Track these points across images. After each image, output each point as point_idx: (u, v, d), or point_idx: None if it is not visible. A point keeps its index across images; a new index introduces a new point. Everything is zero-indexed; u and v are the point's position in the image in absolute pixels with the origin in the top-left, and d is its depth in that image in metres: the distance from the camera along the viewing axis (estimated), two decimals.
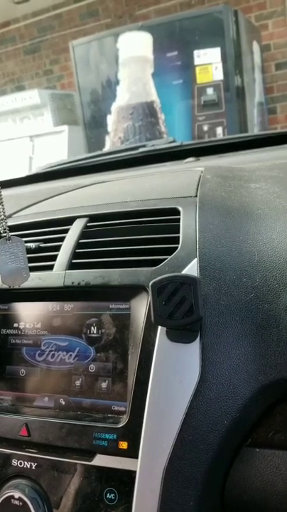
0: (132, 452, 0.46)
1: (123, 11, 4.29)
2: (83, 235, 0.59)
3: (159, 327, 0.47)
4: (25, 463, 0.51)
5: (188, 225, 0.54)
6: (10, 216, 0.72)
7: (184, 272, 0.49)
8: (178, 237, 0.53)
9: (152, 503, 0.44)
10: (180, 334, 0.46)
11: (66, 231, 0.61)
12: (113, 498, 0.47)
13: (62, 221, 0.64)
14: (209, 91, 3.16)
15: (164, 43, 3.20)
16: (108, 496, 0.47)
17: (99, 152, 1.48)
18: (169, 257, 0.51)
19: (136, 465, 0.45)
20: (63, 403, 0.52)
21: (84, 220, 0.62)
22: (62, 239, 0.60)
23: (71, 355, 0.53)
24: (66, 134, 3.63)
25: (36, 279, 0.56)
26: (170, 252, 0.52)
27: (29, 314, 0.57)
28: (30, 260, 0.56)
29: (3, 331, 0.58)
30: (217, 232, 0.52)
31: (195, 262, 0.49)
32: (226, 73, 3.10)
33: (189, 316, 0.44)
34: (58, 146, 3.61)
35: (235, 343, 0.45)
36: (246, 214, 0.55)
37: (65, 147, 3.59)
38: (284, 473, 0.43)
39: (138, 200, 0.63)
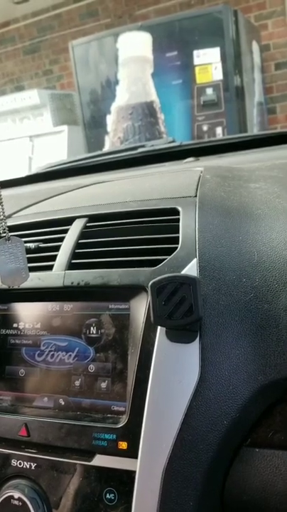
0: (132, 452, 0.45)
1: (122, 11, 4.29)
2: (83, 235, 0.59)
3: (159, 327, 0.47)
4: (25, 463, 0.51)
5: (188, 225, 0.54)
6: (9, 216, 0.72)
7: (183, 272, 0.49)
8: (178, 237, 0.53)
9: (152, 503, 0.44)
10: (180, 334, 0.46)
11: (65, 231, 0.61)
12: (112, 498, 0.47)
13: (62, 221, 0.64)
14: (209, 91, 3.16)
15: (163, 43, 3.20)
16: (107, 496, 0.47)
17: (98, 152, 1.48)
18: (168, 257, 0.51)
19: (135, 465, 0.45)
20: (63, 403, 0.52)
21: (84, 220, 0.62)
22: (61, 239, 0.60)
23: (70, 355, 0.53)
24: (66, 134, 3.63)
25: (36, 279, 0.56)
26: (169, 252, 0.52)
27: (28, 314, 0.57)
28: (30, 260, 0.56)
29: (3, 331, 0.58)
30: (217, 232, 0.52)
31: (194, 262, 0.49)
32: (225, 73, 3.10)
33: (188, 316, 0.44)
34: (58, 146, 3.61)
35: (235, 343, 0.45)
36: (246, 214, 0.55)
37: (65, 147, 3.59)
38: (284, 473, 0.43)
39: (137, 200, 0.63)
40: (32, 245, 0.61)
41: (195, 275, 0.48)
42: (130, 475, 0.45)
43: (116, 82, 3.40)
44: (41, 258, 0.59)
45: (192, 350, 0.45)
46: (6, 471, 0.52)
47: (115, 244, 0.57)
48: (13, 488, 0.50)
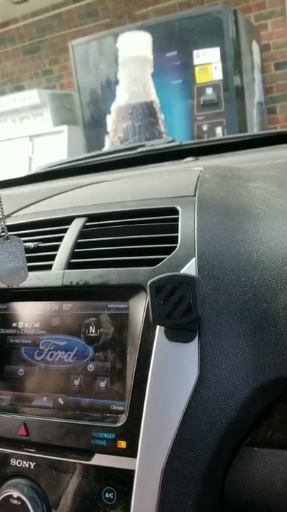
0: (131, 451, 0.46)
1: (122, 11, 4.29)
2: (82, 234, 0.59)
3: (157, 326, 0.47)
4: (24, 462, 0.51)
5: (187, 225, 0.54)
6: (9, 216, 0.72)
7: (182, 271, 0.49)
8: (177, 236, 0.53)
9: (150, 503, 0.44)
10: (179, 333, 0.46)
11: (65, 231, 0.61)
12: (111, 497, 0.47)
13: (61, 221, 0.64)
14: (209, 91, 3.16)
15: (163, 42, 3.20)
16: (106, 495, 0.47)
17: (98, 152, 1.48)
18: (167, 257, 0.51)
19: (134, 464, 0.45)
20: (62, 403, 0.52)
21: (83, 219, 0.62)
22: (60, 238, 0.60)
23: (69, 354, 0.53)
24: (65, 134, 3.63)
25: (35, 279, 0.56)
26: (168, 251, 0.52)
27: (28, 314, 0.57)
28: (29, 260, 0.56)
29: (2, 331, 0.58)
30: (216, 231, 0.52)
31: (193, 261, 0.49)
32: (225, 73, 3.10)
33: (187, 316, 0.44)
34: (58, 146, 3.61)
35: (233, 343, 0.45)
36: (245, 213, 0.55)
37: (65, 147, 3.59)
38: (283, 473, 0.43)
39: (136, 199, 0.63)
40: (31, 245, 0.61)
41: (194, 274, 0.48)
42: (129, 474, 0.45)
43: (116, 82, 3.40)
44: (40, 257, 0.59)
45: (191, 350, 0.45)
46: (5, 471, 0.52)
47: (114, 243, 0.57)
48: (13, 488, 0.50)
